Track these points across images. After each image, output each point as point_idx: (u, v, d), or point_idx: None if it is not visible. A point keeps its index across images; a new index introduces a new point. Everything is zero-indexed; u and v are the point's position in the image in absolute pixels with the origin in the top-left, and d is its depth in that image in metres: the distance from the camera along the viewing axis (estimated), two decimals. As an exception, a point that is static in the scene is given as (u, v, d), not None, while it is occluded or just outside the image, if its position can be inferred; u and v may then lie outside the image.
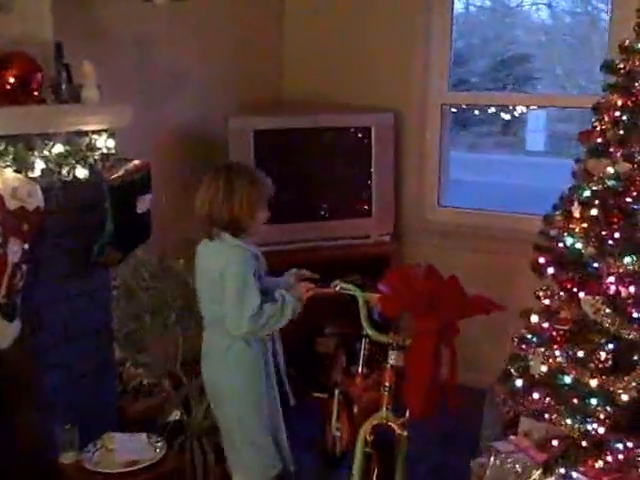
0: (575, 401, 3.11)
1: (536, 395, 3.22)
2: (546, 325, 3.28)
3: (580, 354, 3.11)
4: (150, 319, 3.34)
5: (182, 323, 3.32)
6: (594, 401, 3.06)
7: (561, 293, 3.24)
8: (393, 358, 2.75)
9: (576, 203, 3.20)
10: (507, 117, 9.52)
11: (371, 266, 4.16)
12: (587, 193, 3.16)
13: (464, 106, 4.80)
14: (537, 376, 3.27)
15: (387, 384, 2.77)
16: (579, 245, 3.14)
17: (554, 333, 3.27)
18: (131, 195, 3.04)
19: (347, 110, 4.27)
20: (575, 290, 3.13)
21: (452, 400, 2.72)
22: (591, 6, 13.50)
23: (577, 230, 3.17)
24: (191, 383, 3.40)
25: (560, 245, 3.33)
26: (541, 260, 3.46)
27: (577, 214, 3.20)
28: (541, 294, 3.42)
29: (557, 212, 3.35)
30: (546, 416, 3.17)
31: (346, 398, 3.25)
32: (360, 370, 3.23)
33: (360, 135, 4.15)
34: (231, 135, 3.93)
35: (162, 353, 3.50)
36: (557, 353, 3.21)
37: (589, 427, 3.05)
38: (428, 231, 4.37)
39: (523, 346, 3.32)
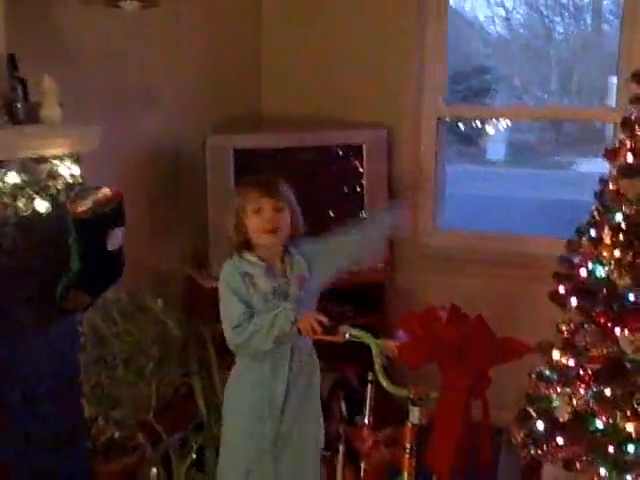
0: (610, 449, 2.78)
1: (560, 440, 2.91)
2: (572, 363, 2.95)
3: (611, 395, 2.81)
4: (123, 369, 2.91)
5: (161, 372, 2.89)
6: (632, 448, 2.74)
7: (586, 326, 2.92)
8: (415, 416, 2.36)
9: (606, 228, 2.87)
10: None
11: (364, 295, 3.82)
12: (619, 217, 2.83)
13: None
14: (561, 419, 2.95)
15: (408, 445, 2.37)
16: (612, 275, 2.80)
17: (581, 371, 2.95)
18: (101, 230, 2.61)
19: (335, 127, 3.88)
20: (610, 325, 2.79)
21: (486, 452, 2.36)
22: (547, 19, 13.48)
23: (608, 257, 2.84)
24: (172, 437, 2.99)
25: (583, 273, 3.02)
26: (561, 289, 3.14)
27: (608, 240, 2.86)
28: (564, 327, 3.08)
29: (581, 237, 3.04)
30: (577, 465, 2.85)
31: (351, 454, 2.85)
32: (367, 421, 2.85)
33: (350, 154, 3.76)
34: (209, 155, 3.52)
35: (135, 403, 3.08)
36: (585, 393, 2.92)
37: (628, 478, 2.73)
38: (424, 256, 4.00)
39: (542, 384, 3.02)
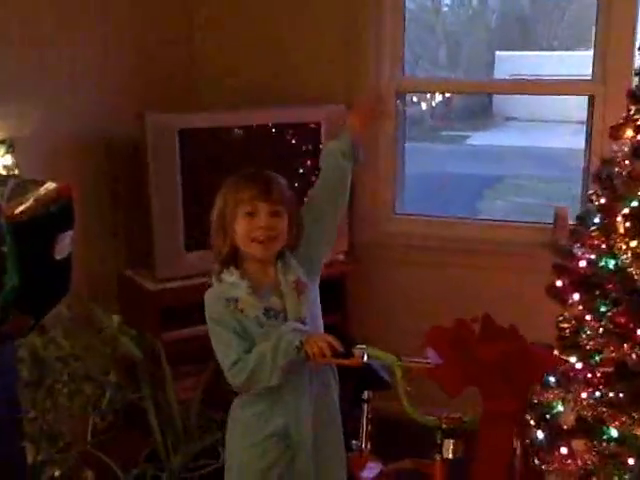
0: (630, 461, 2.52)
1: (564, 450, 2.63)
2: (579, 365, 2.66)
3: (624, 399, 2.54)
4: (67, 399, 2.40)
5: (114, 403, 2.41)
6: (653, 459, 2.49)
7: (593, 323, 2.64)
8: (449, 449, 1.99)
9: (620, 216, 2.58)
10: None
11: (325, 290, 3.40)
12: (635, 203, 2.54)
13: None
14: (565, 426, 2.67)
15: (439, 482, 2.01)
16: (629, 268, 2.51)
17: (589, 374, 2.67)
18: (45, 235, 2.09)
19: (289, 104, 3.42)
20: (632, 326, 2.51)
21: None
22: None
23: (623, 249, 2.55)
24: (128, 474, 2.53)
25: (582, 265, 2.73)
26: (559, 283, 2.85)
27: (622, 229, 2.57)
28: (566, 325, 2.80)
29: (585, 225, 2.75)
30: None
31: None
32: (364, 446, 2.47)
33: (307, 132, 3.33)
34: (151, 136, 3.01)
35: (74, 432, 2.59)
36: (589, 397, 2.65)
37: (652, 494, 2.48)
38: (384, 245, 3.63)
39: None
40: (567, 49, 14.63)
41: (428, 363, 1.97)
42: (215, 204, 2.09)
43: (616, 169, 2.66)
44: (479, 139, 13.25)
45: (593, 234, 2.65)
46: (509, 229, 3.60)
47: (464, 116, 14.29)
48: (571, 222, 3.43)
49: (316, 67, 3.55)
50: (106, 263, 3.16)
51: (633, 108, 2.63)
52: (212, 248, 2.12)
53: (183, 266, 3.12)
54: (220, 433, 2.88)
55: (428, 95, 4.16)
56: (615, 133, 2.67)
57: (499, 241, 3.52)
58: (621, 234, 2.56)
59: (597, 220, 2.70)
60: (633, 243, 2.52)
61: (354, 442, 2.51)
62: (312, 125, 3.33)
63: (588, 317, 2.71)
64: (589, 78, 3.34)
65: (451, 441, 1.99)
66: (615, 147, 2.72)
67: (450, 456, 1.99)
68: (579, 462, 2.64)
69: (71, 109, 2.99)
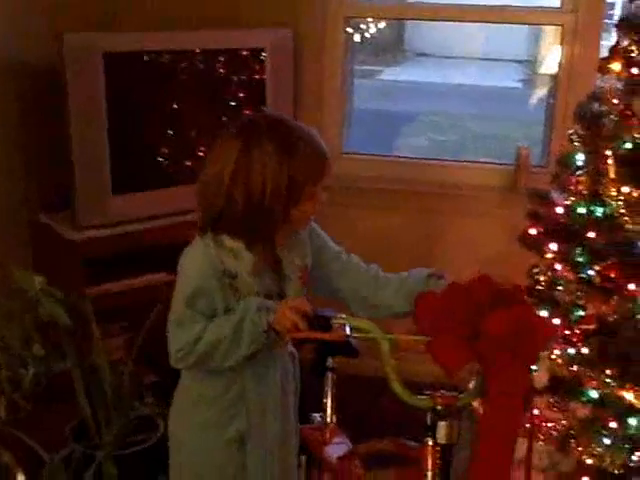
0: (612, 424, 2.33)
1: (536, 412, 2.44)
2: (556, 321, 2.44)
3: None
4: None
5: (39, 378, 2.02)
6: (634, 422, 2.30)
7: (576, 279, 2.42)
8: (443, 433, 1.71)
9: (611, 159, 2.33)
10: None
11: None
12: (628, 145, 2.29)
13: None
14: (538, 385, 2.46)
15: (430, 471, 1.73)
16: (621, 218, 2.28)
17: (567, 332, 2.46)
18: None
19: (228, 26, 3.00)
20: (622, 280, 2.28)
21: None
22: None
23: (614, 196, 2.31)
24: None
25: (560, 212, 2.50)
26: (532, 231, 2.61)
27: (612, 174, 2.33)
28: (542, 279, 2.57)
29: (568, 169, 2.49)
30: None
31: (311, 462, 2.17)
32: (330, 420, 2.18)
33: (250, 58, 2.94)
34: (69, 60, 2.55)
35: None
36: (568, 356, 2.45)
37: (634, 458, 2.29)
38: (329, 187, 3.28)
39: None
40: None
41: (425, 337, 1.67)
42: (268, 158, 1.58)
43: (603, 107, 2.41)
44: (391, 74, 12.97)
45: (580, 178, 2.41)
46: (466, 170, 3.33)
47: (376, 50, 13.96)
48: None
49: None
50: (16, 207, 2.71)
51: (626, 39, 2.37)
52: (244, 212, 1.61)
53: (109, 211, 2.71)
54: (155, 399, 2.58)
55: (364, 26, 3.86)
56: (604, 67, 2.40)
57: (454, 183, 3.26)
58: (611, 179, 2.33)
59: (581, 163, 2.47)
60: (625, 189, 2.28)
61: (315, 415, 2.21)
62: (255, 51, 2.94)
63: (561, 268, 2.51)
64: (558, 6, 3.06)
65: (445, 424, 1.71)
66: (600, 82, 2.48)
67: (444, 441, 1.71)
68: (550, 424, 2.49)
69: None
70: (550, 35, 11.89)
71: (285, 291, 1.73)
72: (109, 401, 2.42)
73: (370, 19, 4.17)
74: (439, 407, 1.71)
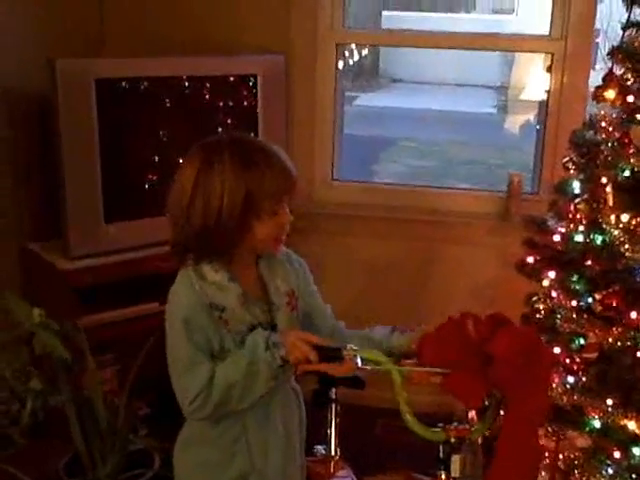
0: (616, 453, 2.32)
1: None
2: (556, 350, 2.43)
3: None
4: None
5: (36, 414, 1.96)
6: (638, 451, 2.29)
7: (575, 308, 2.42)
8: (457, 467, 1.68)
9: (609, 186, 2.34)
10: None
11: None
12: (627, 173, 2.30)
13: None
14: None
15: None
16: (622, 247, 2.28)
17: (568, 360, 2.45)
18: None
19: (221, 53, 2.98)
20: (625, 308, 2.28)
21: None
22: None
23: (613, 223, 2.31)
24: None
25: (556, 239, 2.50)
26: (530, 259, 2.60)
27: (611, 201, 2.33)
28: (541, 307, 2.56)
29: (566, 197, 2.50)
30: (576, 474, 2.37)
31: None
32: (333, 452, 2.13)
33: (242, 84, 2.92)
34: (61, 86, 2.51)
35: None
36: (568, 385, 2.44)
37: (639, 487, 2.30)
38: (321, 215, 3.28)
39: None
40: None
41: (437, 369, 1.64)
42: (227, 174, 1.55)
43: (599, 135, 2.42)
44: (366, 100, 13.04)
45: (578, 206, 2.41)
46: (456, 197, 3.32)
47: (351, 77, 14.05)
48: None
49: (249, 15, 3.12)
50: (4, 235, 2.66)
51: (620, 67, 2.38)
52: (199, 230, 1.58)
53: (102, 240, 2.66)
54: (149, 432, 2.52)
55: (347, 53, 3.87)
56: (600, 95, 2.42)
57: (445, 210, 3.25)
58: (610, 207, 2.33)
59: (577, 190, 2.47)
60: (625, 217, 2.29)
61: (318, 447, 2.17)
62: (248, 77, 2.92)
63: (559, 296, 2.50)
64: (546, 34, 3.08)
65: (459, 457, 1.68)
66: (593, 110, 2.49)
67: (458, 475, 1.68)
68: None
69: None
70: (523, 62, 12.07)
71: (275, 320, 1.68)
72: (104, 435, 2.36)
73: (353, 46, 4.18)
74: (452, 440, 1.68)
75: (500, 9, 16.10)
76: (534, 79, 9.10)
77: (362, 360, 1.67)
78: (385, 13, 13.92)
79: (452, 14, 14.76)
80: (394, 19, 12.61)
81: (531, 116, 9.57)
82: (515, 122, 11.06)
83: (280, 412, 1.74)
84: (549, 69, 3.11)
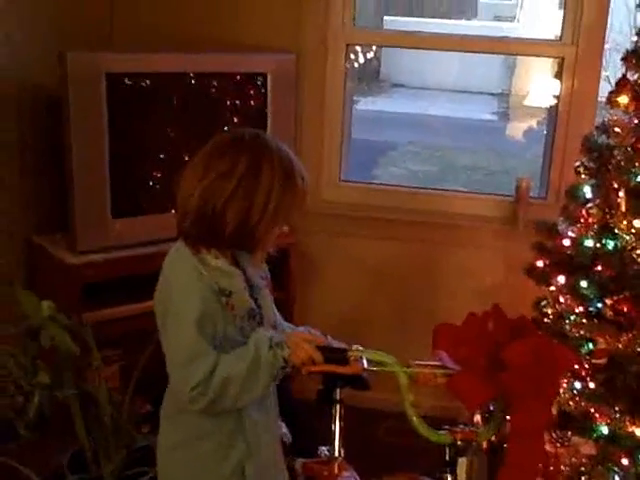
0: (624, 460, 2.30)
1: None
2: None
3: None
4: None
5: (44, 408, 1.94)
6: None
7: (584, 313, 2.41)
8: (463, 470, 1.66)
9: (622, 192, 2.33)
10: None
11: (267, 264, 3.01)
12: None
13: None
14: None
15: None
16: (635, 251, 2.27)
17: (576, 366, 2.43)
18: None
19: (232, 50, 2.97)
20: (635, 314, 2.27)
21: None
22: None
23: (625, 228, 2.30)
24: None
25: (566, 244, 2.49)
26: (539, 263, 2.59)
27: (623, 207, 2.32)
28: (550, 311, 2.55)
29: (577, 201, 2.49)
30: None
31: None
32: (337, 453, 2.11)
33: (252, 83, 2.90)
34: (72, 79, 2.50)
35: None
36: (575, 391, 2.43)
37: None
38: (328, 215, 3.26)
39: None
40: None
41: (447, 369, 1.63)
42: (275, 181, 1.55)
43: (613, 140, 2.41)
44: (367, 105, 13.03)
45: (590, 211, 2.40)
46: (464, 201, 3.30)
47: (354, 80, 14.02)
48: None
49: (259, 13, 3.11)
50: (11, 228, 2.64)
51: (634, 72, 2.38)
52: (237, 229, 1.56)
53: (109, 235, 2.64)
54: (152, 429, 2.50)
55: (352, 55, 3.81)
56: (613, 100, 2.41)
57: (453, 213, 3.23)
58: (622, 212, 2.32)
59: (589, 195, 2.46)
60: (637, 222, 2.28)
61: (322, 448, 2.14)
62: (258, 75, 2.90)
63: (568, 301, 2.50)
64: (557, 39, 3.08)
65: (466, 460, 1.66)
66: (609, 115, 2.48)
67: (464, 477, 1.66)
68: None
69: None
70: (525, 68, 12.06)
71: (260, 302, 1.68)
72: (108, 431, 2.34)
73: (359, 49, 4.17)
74: (459, 442, 1.67)
75: (501, 16, 16.12)
76: (537, 85, 9.08)
77: (368, 361, 1.67)
78: (387, 18, 13.90)
79: (455, 20, 14.76)
80: (396, 24, 12.60)
81: (533, 122, 9.56)
82: (516, 128, 11.04)
83: (273, 400, 1.76)
84: (558, 74, 3.11)
